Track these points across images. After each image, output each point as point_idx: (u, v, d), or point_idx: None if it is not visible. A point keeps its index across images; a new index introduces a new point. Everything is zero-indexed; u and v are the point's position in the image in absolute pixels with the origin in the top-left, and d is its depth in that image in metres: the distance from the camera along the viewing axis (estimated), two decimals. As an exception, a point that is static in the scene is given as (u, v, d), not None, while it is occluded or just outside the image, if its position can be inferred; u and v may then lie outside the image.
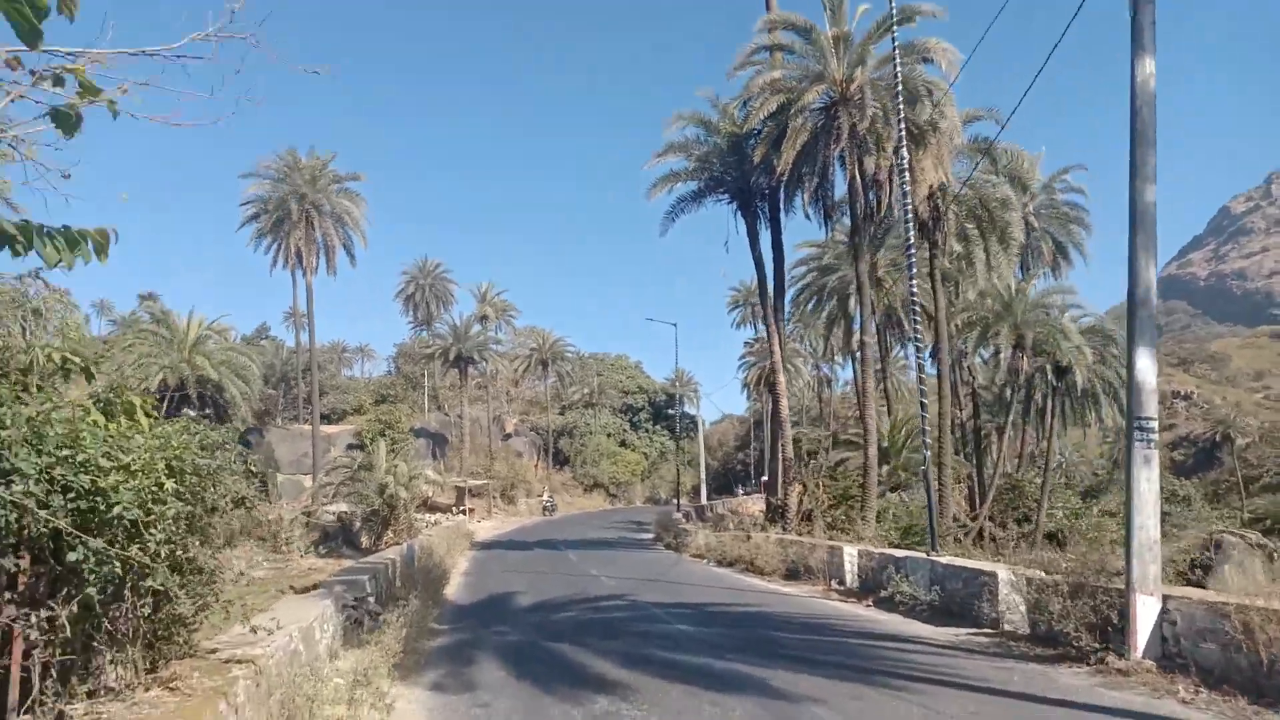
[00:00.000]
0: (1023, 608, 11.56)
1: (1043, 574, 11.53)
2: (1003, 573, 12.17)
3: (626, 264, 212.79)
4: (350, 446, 50.96)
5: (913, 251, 18.11)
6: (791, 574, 19.55)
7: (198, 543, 5.92)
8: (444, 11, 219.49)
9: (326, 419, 67.44)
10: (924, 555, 14.67)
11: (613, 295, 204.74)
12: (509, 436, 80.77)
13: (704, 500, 61.62)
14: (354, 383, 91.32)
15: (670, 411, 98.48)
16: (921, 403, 17.00)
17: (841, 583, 17.37)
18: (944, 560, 13.81)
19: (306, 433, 50.52)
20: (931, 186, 25.28)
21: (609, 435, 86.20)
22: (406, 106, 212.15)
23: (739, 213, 28.22)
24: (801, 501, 26.30)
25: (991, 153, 27.31)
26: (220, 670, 5.98)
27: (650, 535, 39.35)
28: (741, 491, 70.14)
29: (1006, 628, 11.79)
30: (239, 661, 6.22)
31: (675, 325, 66.60)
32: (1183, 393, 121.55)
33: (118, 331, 53.73)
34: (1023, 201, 34.90)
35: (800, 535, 23.10)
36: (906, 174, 19.23)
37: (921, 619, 13.17)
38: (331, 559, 42.00)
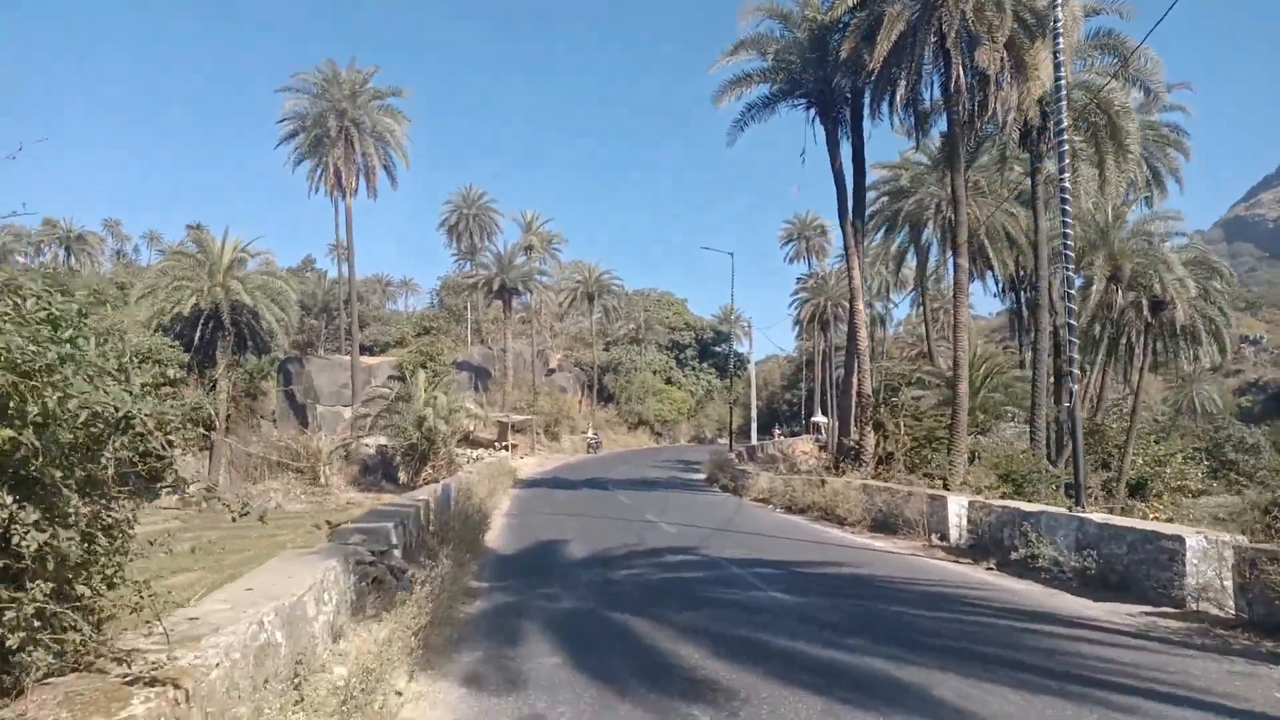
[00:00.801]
0: (1227, 583, 8.92)
1: (1245, 540, 8.90)
2: (1191, 538, 9.50)
3: (673, 194, 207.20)
4: (391, 378, 49.28)
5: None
6: (880, 526, 17.06)
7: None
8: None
9: (368, 350, 66.09)
10: (1064, 511, 12.04)
11: (659, 229, 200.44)
12: (553, 372, 78.91)
13: (754, 440, 59.28)
14: (396, 315, 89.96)
15: (717, 349, 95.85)
16: (1067, 324, 14.13)
17: (944, 538, 14.84)
18: (1098, 518, 11.15)
19: (347, 363, 48.94)
20: (1045, 88, 21.90)
21: (655, 372, 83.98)
22: (448, 35, 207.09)
23: (817, 119, 25.08)
24: (878, 443, 23.70)
25: (1123, 50, 23.61)
26: (111, 698, 3.64)
27: (702, 476, 37.15)
28: (778, 433, 67.47)
29: (1199, 608, 9.18)
30: (152, 682, 3.88)
31: (732, 255, 62.90)
32: (1251, 337, 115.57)
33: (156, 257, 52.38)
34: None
35: (886, 480, 20.55)
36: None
37: (1070, 590, 10.60)
38: (371, 493, 40.66)
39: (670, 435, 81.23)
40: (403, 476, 30.76)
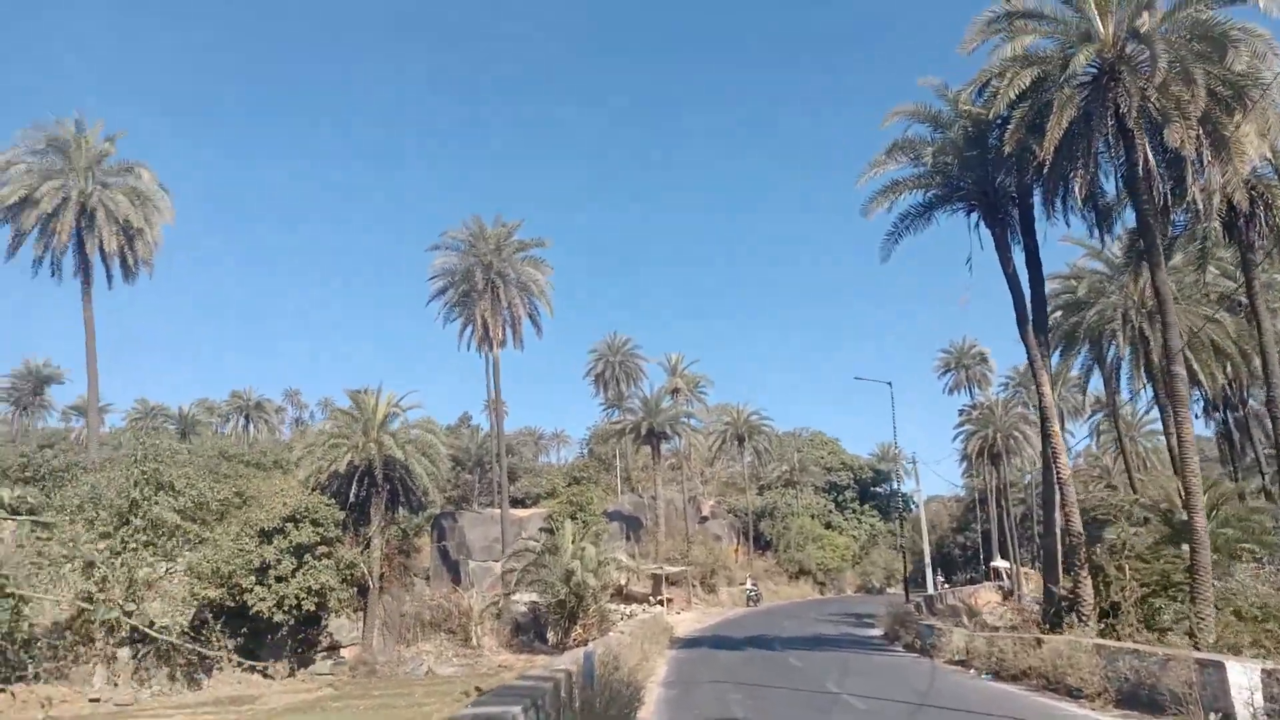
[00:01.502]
0: None
1: None
2: None
3: (817, 330, 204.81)
4: (542, 530, 48.16)
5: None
6: (1130, 700, 13.53)
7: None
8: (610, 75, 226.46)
9: (520, 503, 65.76)
10: None
11: (806, 368, 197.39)
12: (705, 519, 76.07)
13: (931, 589, 53.87)
14: (548, 468, 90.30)
15: (878, 490, 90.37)
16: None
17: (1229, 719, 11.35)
18: None
19: (498, 517, 48.34)
20: (1253, 165, 19.10)
21: (813, 516, 79.48)
22: (580, 185, 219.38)
23: (981, 223, 22.90)
24: (1098, 591, 19.91)
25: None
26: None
27: (878, 631, 33.21)
28: (941, 582, 61.04)
29: None
30: None
31: (890, 384, 59.13)
32: None
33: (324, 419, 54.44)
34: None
35: (1114, 637, 16.86)
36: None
37: None
38: (524, 654, 38.72)
39: (835, 585, 75.75)
40: (551, 637, 28.85)
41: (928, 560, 56.82)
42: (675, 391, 67.28)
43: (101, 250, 35.02)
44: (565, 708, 10.31)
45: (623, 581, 41.50)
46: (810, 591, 71.42)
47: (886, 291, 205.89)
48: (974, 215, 22.94)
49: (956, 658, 21.51)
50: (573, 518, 42.02)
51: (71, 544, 28.46)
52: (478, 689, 31.00)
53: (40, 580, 28.51)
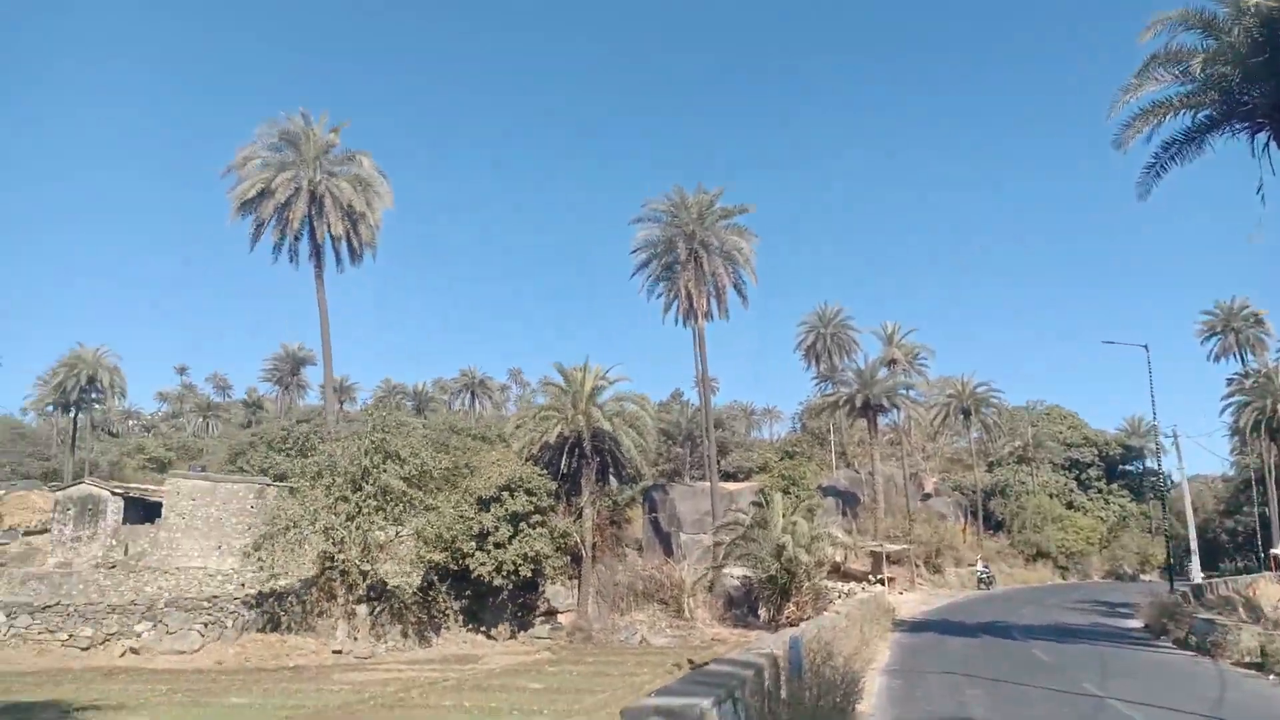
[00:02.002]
0: None
1: None
2: None
3: (1046, 294, 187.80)
4: (753, 504, 46.95)
5: None
6: None
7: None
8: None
9: (731, 477, 64.89)
10: None
11: (1038, 337, 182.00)
12: (928, 496, 71.62)
13: (1195, 577, 47.29)
14: (759, 443, 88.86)
15: (1128, 468, 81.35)
16: None
17: None
18: None
19: (709, 490, 47.66)
20: None
21: (1052, 495, 72.67)
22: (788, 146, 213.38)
23: (1272, 145, 18.88)
24: None
25: None
26: None
27: (1137, 623, 29.10)
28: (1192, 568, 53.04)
29: None
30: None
31: (1146, 348, 50.97)
32: None
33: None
34: None
35: None
36: None
37: None
38: (738, 629, 37.74)
39: (1078, 569, 68.91)
40: (763, 613, 27.58)
41: (1192, 545, 49.98)
42: (892, 363, 63.48)
43: (330, 235, 37.57)
44: (769, 698, 8.96)
45: (839, 559, 39.40)
46: (1049, 576, 65.42)
47: (1131, 244, 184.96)
48: (1263, 136, 18.91)
49: (1248, 659, 17.97)
50: (785, 492, 40.45)
51: (313, 508, 30.62)
52: (690, 661, 30.36)
53: (288, 540, 30.96)
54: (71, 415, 71.39)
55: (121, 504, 51.39)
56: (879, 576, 43.08)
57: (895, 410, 58.29)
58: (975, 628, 26.85)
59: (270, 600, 31.90)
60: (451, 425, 70.86)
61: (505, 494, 34.34)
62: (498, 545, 33.63)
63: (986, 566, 55.43)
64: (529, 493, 34.75)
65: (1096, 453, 79.27)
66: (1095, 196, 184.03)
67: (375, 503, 31.62)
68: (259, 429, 78.73)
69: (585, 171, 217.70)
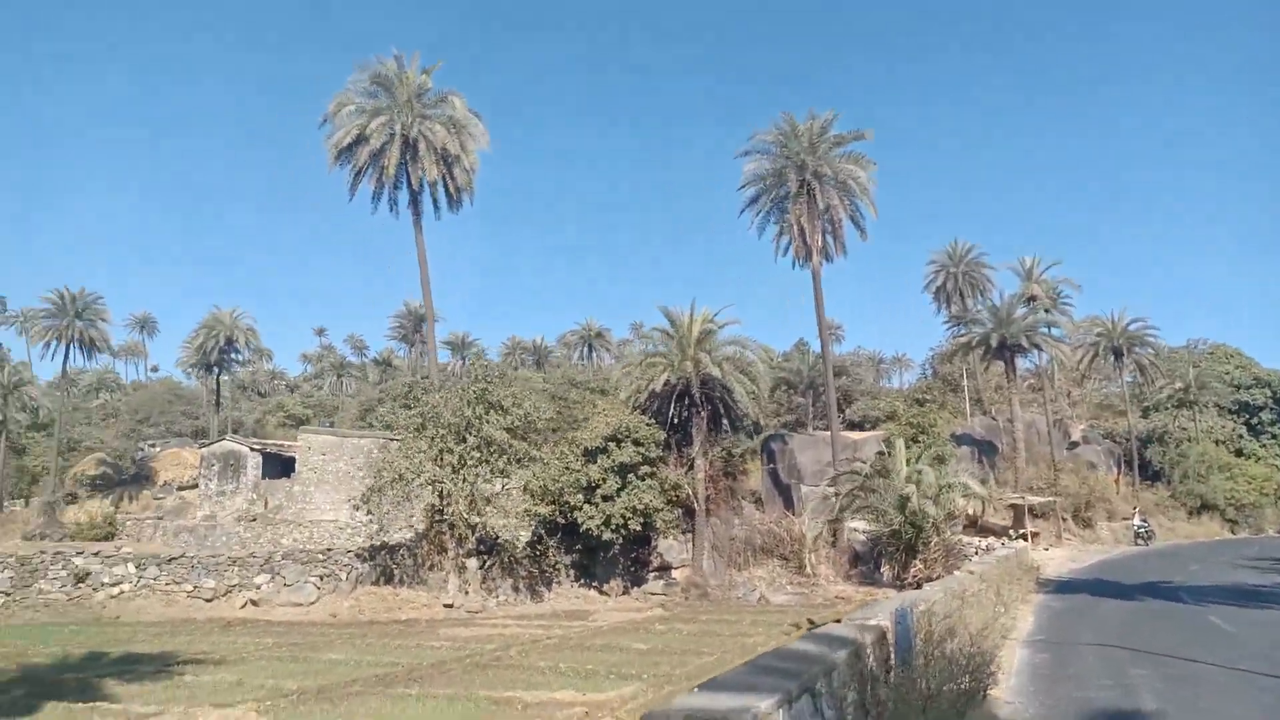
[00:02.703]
0: None
1: None
2: None
3: (1201, 224, 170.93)
4: (879, 454, 44.11)
5: None
6: None
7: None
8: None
9: (858, 427, 61.80)
10: None
11: (1200, 268, 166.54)
12: (1075, 445, 66.19)
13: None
14: (886, 390, 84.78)
15: (1312, 410, 72.89)
16: None
17: None
18: None
19: (831, 439, 45.07)
20: None
21: (1218, 442, 65.95)
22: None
23: None
24: None
25: None
26: None
27: (1333, 585, 25.10)
28: None
29: None
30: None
31: None
32: None
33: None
34: None
35: None
36: None
37: None
38: (864, 586, 35.38)
39: (1250, 523, 62.38)
40: (885, 571, 25.20)
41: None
42: (1031, 299, 58.18)
43: (425, 180, 36.69)
44: (870, 686, 6.96)
45: (975, 511, 36.38)
46: (1217, 530, 59.43)
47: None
48: None
49: None
50: (914, 440, 37.53)
51: (417, 460, 30.18)
52: (810, 621, 28.37)
53: (395, 493, 30.72)
54: (214, 375, 75.19)
55: (260, 459, 53.46)
56: (1021, 531, 39.69)
57: (1036, 351, 53.55)
58: (1135, 589, 23.66)
59: (383, 553, 31.92)
60: (570, 379, 70.63)
61: (612, 445, 33.05)
62: (605, 498, 32.47)
63: (1145, 520, 50.61)
64: (636, 443, 33.33)
65: (1270, 394, 71.41)
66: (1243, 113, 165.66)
67: (479, 454, 30.96)
68: (386, 385, 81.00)
69: (701, 113, 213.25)
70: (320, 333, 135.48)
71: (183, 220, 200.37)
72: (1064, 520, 47.61)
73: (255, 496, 52.79)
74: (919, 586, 20.86)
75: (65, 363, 67.73)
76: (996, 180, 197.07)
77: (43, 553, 30.02)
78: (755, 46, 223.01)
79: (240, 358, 75.01)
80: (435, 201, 38.57)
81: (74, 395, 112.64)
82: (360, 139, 36.08)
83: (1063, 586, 25.04)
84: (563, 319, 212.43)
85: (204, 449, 55.97)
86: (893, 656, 8.21)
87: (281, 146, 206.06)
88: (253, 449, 54.01)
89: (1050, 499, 46.05)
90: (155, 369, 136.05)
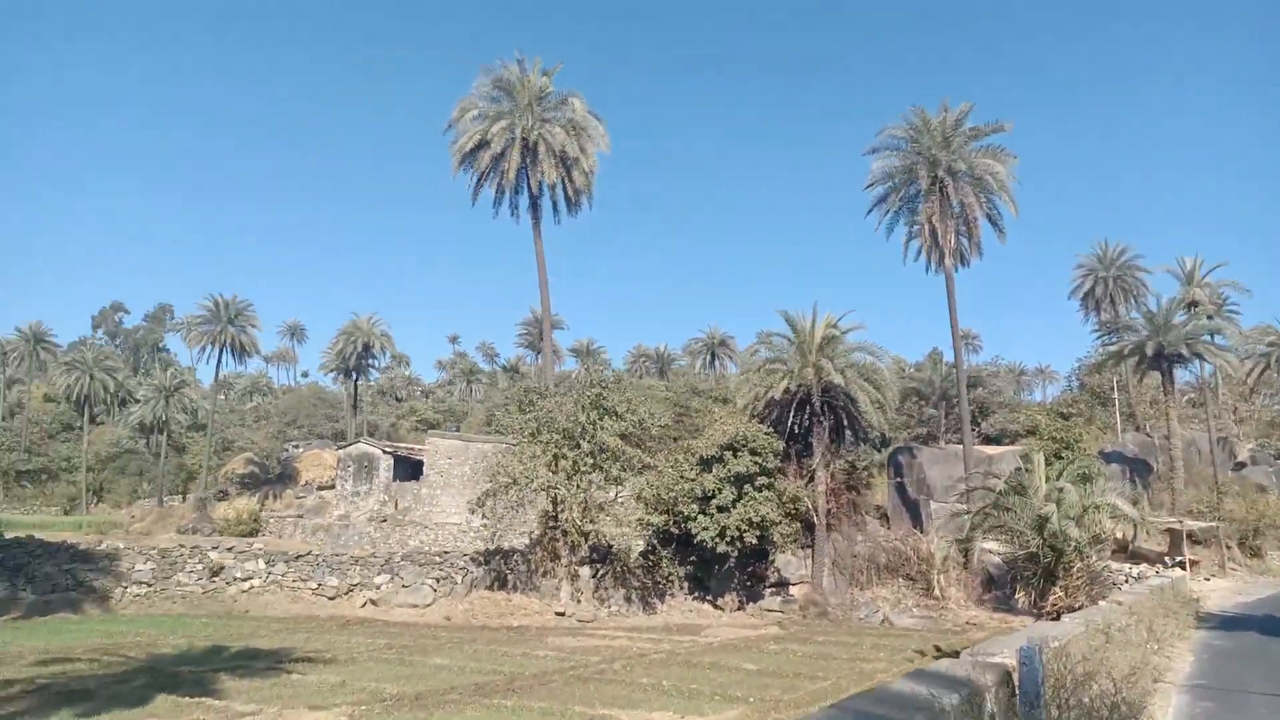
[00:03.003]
0: None
1: None
2: None
3: None
4: (1016, 470, 41.27)
5: None
6: None
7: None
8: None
9: (994, 441, 58.41)
10: None
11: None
12: (1241, 465, 60.21)
13: None
14: (1028, 404, 79.92)
15: None
16: None
17: None
18: None
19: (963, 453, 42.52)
20: None
21: None
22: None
23: None
24: None
25: None
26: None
27: None
28: None
29: None
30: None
31: None
32: None
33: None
34: None
35: None
36: None
37: None
38: (999, 613, 32.99)
39: None
40: (1021, 598, 23.10)
41: None
42: (1193, 304, 53.44)
43: (544, 182, 36.77)
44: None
45: (1123, 535, 33.39)
46: None
47: None
48: None
49: None
50: (1057, 456, 34.82)
51: (531, 465, 30.15)
52: (936, 648, 26.53)
53: (509, 498, 30.80)
54: (353, 380, 78.66)
55: (391, 461, 55.29)
56: (1178, 559, 36.23)
57: (1198, 361, 49.02)
58: (1316, 629, 20.87)
59: (497, 558, 32.09)
60: (693, 387, 69.89)
61: (728, 454, 32.13)
62: (720, 509, 31.56)
63: (1325, 550, 45.35)
64: (754, 452, 32.26)
65: None
66: None
67: (592, 460, 30.68)
68: (511, 391, 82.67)
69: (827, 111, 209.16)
70: (454, 340, 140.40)
71: (323, 229, 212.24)
72: (1228, 548, 43.21)
73: (386, 498, 54.58)
74: (1058, 617, 19.08)
75: (219, 366, 72.30)
76: (1155, 175, 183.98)
77: (182, 546, 31.75)
78: (885, 38, 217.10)
79: (377, 363, 78.18)
80: (555, 205, 38.81)
81: (230, 398, 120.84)
82: (482, 144, 36.62)
83: (1227, 623, 22.40)
84: (688, 327, 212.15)
85: (340, 450, 58.35)
86: (1018, 703, 7.06)
87: (411, 151, 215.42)
88: (385, 451, 55.89)
89: (1212, 524, 41.88)
90: (305, 374, 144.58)
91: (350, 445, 59.30)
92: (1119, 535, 32.90)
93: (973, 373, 73.13)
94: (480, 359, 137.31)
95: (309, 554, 31.76)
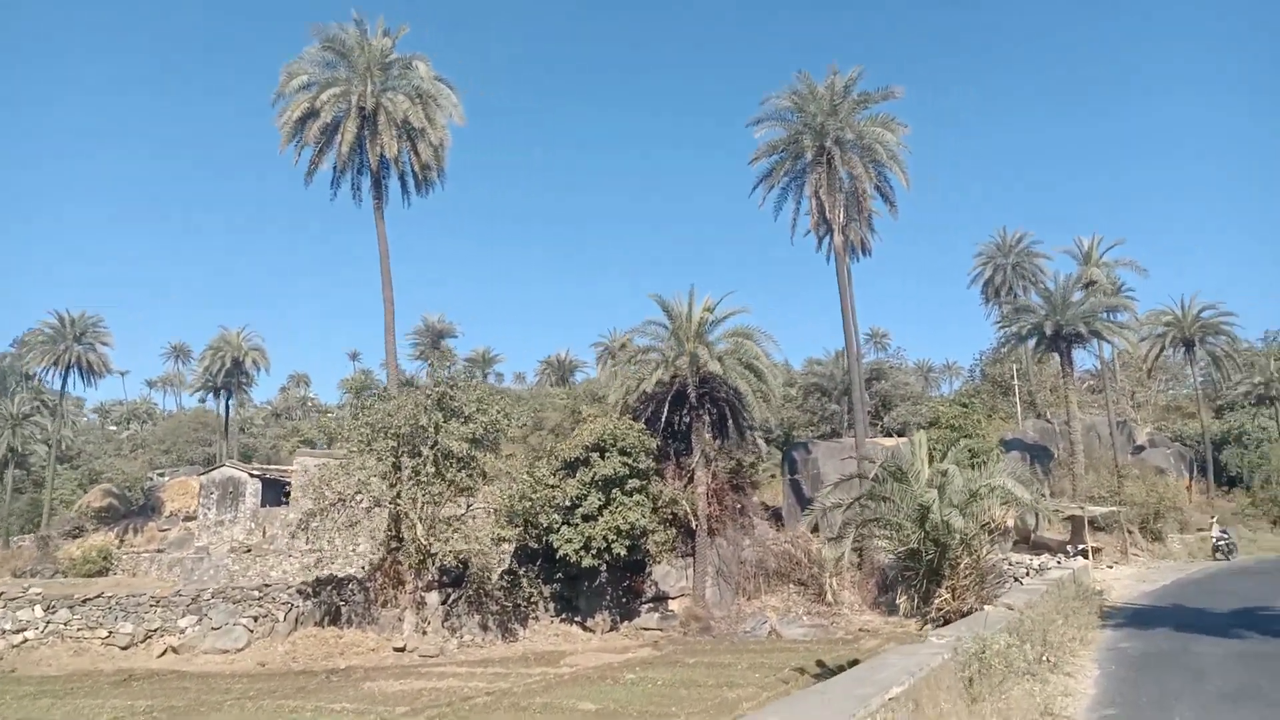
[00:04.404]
0: None
1: None
2: None
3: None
4: (895, 454, 38.70)
5: None
6: None
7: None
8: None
9: (898, 434, 56.31)
10: None
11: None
12: (1141, 449, 59.75)
13: None
14: (931, 398, 78.82)
15: None
16: None
17: None
18: None
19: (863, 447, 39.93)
20: None
21: (1304, 442, 58.99)
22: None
23: None
24: None
25: None
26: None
27: None
28: None
29: None
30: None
31: None
32: None
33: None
34: None
35: None
36: None
37: None
38: (894, 616, 30.24)
39: (1347, 533, 55.31)
40: (902, 602, 20.16)
41: None
42: (1090, 284, 52.37)
43: (384, 157, 32.41)
44: None
45: (1026, 524, 31.06)
46: (1308, 541, 52.59)
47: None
48: None
49: None
50: (953, 445, 32.26)
51: (359, 478, 25.98)
52: (819, 664, 23.44)
53: (336, 518, 26.57)
54: (224, 399, 72.30)
55: (259, 485, 50.04)
56: (1080, 547, 34.21)
57: (1096, 342, 47.66)
58: (1231, 619, 18.30)
59: (329, 589, 27.72)
60: (592, 393, 66.23)
61: (594, 455, 28.49)
62: (586, 518, 27.90)
63: (1225, 531, 44.28)
64: (624, 453, 28.69)
65: (1364, 387, 64.09)
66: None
67: (435, 469, 26.64)
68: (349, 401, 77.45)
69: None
70: (355, 356, 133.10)
71: (203, 240, 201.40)
72: (1130, 533, 41.67)
73: (254, 526, 49.33)
74: (946, 621, 16.02)
75: (63, 388, 65.34)
76: (1050, 169, 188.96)
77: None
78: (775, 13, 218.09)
79: (247, 380, 71.75)
80: (404, 183, 34.32)
81: (105, 427, 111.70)
82: (311, 113, 32.05)
83: (1135, 617, 19.79)
84: (588, 332, 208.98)
85: (203, 476, 52.94)
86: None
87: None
88: (252, 475, 50.66)
89: (1114, 509, 40.22)
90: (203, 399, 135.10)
91: (213, 470, 53.74)
92: (1019, 524, 30.57)
93: (876, 365, 71.42)
94: (383, 375, 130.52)
95: (99, 597, 26.79)
